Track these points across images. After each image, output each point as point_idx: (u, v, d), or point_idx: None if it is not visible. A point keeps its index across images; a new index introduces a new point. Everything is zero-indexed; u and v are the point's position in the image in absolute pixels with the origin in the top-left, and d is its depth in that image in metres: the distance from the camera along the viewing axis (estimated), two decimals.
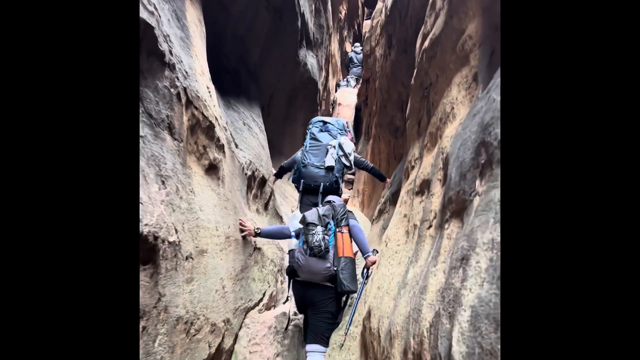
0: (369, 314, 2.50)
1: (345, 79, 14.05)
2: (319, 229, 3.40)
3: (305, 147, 4.36)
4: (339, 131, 4.45)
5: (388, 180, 4.80)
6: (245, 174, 4.12)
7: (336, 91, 13.11)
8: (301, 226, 3.56)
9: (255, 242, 3.93)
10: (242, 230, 3.72)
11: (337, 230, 3.48)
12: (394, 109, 7.34)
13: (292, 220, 3.72)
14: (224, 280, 3.15)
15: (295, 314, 4.18)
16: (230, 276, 3.29)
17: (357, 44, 14.42)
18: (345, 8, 14.13)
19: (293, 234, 3.70)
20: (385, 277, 2.43)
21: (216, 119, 3.20)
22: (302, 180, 4.17)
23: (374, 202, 8.64)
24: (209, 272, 2.88)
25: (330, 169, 4.15)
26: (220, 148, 3.29)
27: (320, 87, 8.99)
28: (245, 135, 4.43)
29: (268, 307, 4.08)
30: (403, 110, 7.06)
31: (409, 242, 2.26)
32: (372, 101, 9.66)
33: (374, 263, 3.34)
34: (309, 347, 3.28)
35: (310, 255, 3.37)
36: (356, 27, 17.22)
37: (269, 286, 4.12)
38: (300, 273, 3.50)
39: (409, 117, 3.13)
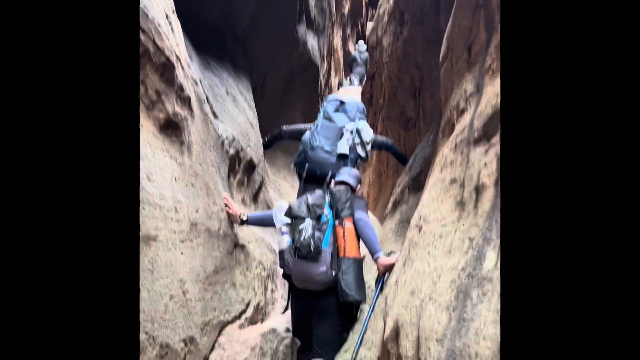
0: (396, 332, 1.61)
1: (347, 78, 13.27)
2: (308, 222, 2.57)
3: (317, 126, 3.53)
4: (358, 114, 3.62)
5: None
6: (227, 152, 3.24)
7: (338, 89, 12.34)
8: (288, 220, 2.70)
9: (237, 234, 3.03)
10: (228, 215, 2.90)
11: (338, 223, 2.61)
12: (405, 96, 6.49)
13: (277, 212, 2.84)
14: (186, 284, 2.25)
15: (287, 330, 3.27)
16: (196, 278, 2.38)
17: (361, 42, 13.67)
18: (348, 4, 13.47)
19: (284, 231, 2.82)
20: (423, 275, 1.54)
21: (178, 59, 2.33)
22: (306, 166, 3.30)
23: (380, 205, 7.74)
24: (158, 270, 1.99)
25: (342, 157, 3.30)
26: (185, 102, 2.41)
27: (322, 79, 8.16)
28: (229, 107, 3.57)
29: (253, 322, 3.17)
30: (416, 97, 6.24)
31: (468, 216, 1.38)
32: (377, 96, 8.82)
33: (388, 267, 2.49)
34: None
35: (298, 257, 2.55)
36: (359, 27, 16.60)
37: (255, 295, 3.21)
38: (293, 279, 2.63)
39: (449, 49, 2.26)
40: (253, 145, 3.93)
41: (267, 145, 4.25)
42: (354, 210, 2.69)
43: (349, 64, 14.49)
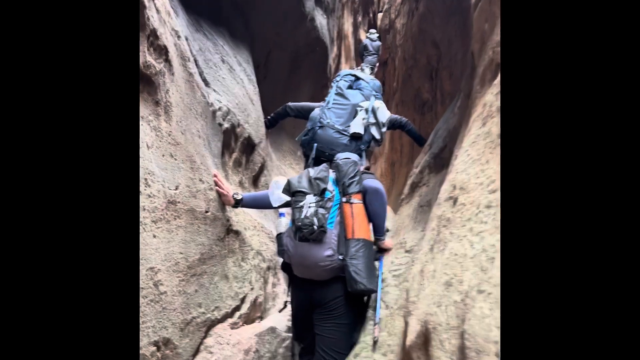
0: (424, 338, 1.16)
1: (359, 67, 12.84)
2: (311, 198, 2.20)
3: (328, 103, 3.11)
4: (374, 92, 3.20)
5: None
6: (220, 125, 2.82)
7: None
8: (287, 198, 2.29)
9: (230, 219, 2.61)
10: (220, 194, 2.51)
11: (344, 200, 2.26)
12: (420, 77, 6.02)
13: (274, 189, 2.43)
14: (159, 274, 1.83)
15: (289, 329, 2.84)
16: (175, 268, 1.96)
17: (373, 31, 13.21)
18: None
19: (282, 212, 2.41)
20: (465, 260, 1.09)
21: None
22: (314, 145, 2.89)
23: (393, 196, 7.27)
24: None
25: (355, 137, 2.87)
26: (161, 53, 1.98)
27: (332, 64, 7.71)
28: (224, 76, 3.14)
29: (250, 320, 2.75)
30: (432, 78, 5.77)
31: None
32: (390, 82, 8.34)
33: (387, 250, 2.49)
34: None
35: (299, 239, 2.18)
36: (371, 16, 16.23)
37: (252, 289, 2.79)
38: (293, 267, 2.24)
39: None
40: (253, 123, 3.50)
41: (270, 124, 3.82)
42: (363, 184, 2.29)
43: (360, 52, 13.95)
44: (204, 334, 2.24)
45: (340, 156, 2.48)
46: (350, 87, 3.18)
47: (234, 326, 2.49)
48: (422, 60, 5.81)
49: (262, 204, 2.57)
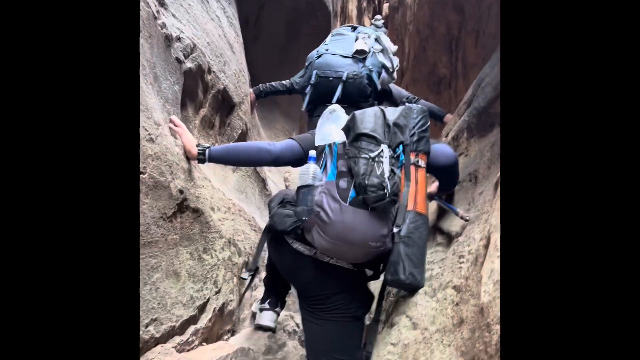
0: None
1: None
2: (386, 150, 1.55)
3: (325, 42, 2.59)
4: (378, 32, 2.62)
5: (449, 115, 2.79)
6: (179, 62, 2.00)
7: None
8: (343, 138, 1.62)
9: (188, 190, 1.79)
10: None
11: (408, 161, 1.61)
12: (437, 50, 5.22)
13: (326, 120, 1.71)
14: None
15: (268, 350, 2.05)
16: None
17: (378, 17, 12.54)
18: None
19: (312, 155, 1.69)
20: None
21: None
22: (314, 73, 2.37)
23: None
24: None
25: (360, 53, 2.34)
26: None
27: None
28: (194, 9, 2.32)
29: (213, 337, 1.94)
30: (452, 50, 4.96)
31: None
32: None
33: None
34: None
35: (355, 204, 1.51)
36: (376, 3, 15.67)
37: (217, 292, 1.98)
38: (320, 238, 1.58)
39: None
40: (231, 75, 2.69)
41: (264, 93, 3.08)
42: (430, 143, 1.68)
43: None
44: None
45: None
46: (348, 30, 2.68)
47: (183, 348, 1.68)
48: (440, 29, 5.00)
49: (246, 157, 1.82)
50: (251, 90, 3.06)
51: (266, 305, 2.18)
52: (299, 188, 1.61)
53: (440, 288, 1.47)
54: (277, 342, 2.10)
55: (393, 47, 2.53)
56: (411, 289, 1.58)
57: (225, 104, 2.62)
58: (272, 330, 2.12)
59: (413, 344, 1.43)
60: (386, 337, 1.61)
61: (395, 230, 1.52)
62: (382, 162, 1.50)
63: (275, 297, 2.19)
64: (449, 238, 1.76)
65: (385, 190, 1.47)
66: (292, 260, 1.69)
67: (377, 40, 2.44)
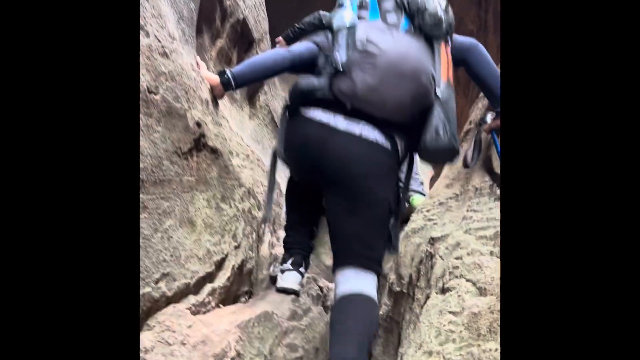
0: None
1: None
2: None
3: None
4: None
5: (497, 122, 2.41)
6: None
7: None
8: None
9: (204, 122, 1.49)
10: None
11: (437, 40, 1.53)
12: (464, 3, 4.82)
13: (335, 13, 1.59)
14: None
15: (293, 316, 1.80)
16: None
17: None
18: None
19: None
20: None
21: None
22: None
23: None
24: None
25: None
26: None
27: None
28: None
29: (230, 298, 1.68)
30: (480, 3, 4.59)
31: None
32: None
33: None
34: (339, 274, 1.41)
35: (406, 31, 1.50)
36: None
37: (236, 247, 1.71)
38: (365, 76, 1.40)
39: None
40: (252, 7, 2.35)
41: (293, 37, 2.51)
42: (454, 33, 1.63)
43: None
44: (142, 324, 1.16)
45: None
46: None
47: (198, 310, 1.41)
48: None
49: (263, 68, 1.63)
50: (280, 37, 2.55)
51: (288, 266, 1.90)
52: (334, 32, 1.48)
53: None
54: (302, 307, 1.84)
55: None
56: (450, 155, 1.50)
57: (244, 39, 2.29)
58: (296, 293, 1.86)
59: (486, 312, 1.16)
60: (439, 305, 1.35)
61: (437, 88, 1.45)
62: None
63: (299, 257, 1.91)
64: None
65: (441, 18, 1.47)
66: (316, 136, 1.44)
67: None
